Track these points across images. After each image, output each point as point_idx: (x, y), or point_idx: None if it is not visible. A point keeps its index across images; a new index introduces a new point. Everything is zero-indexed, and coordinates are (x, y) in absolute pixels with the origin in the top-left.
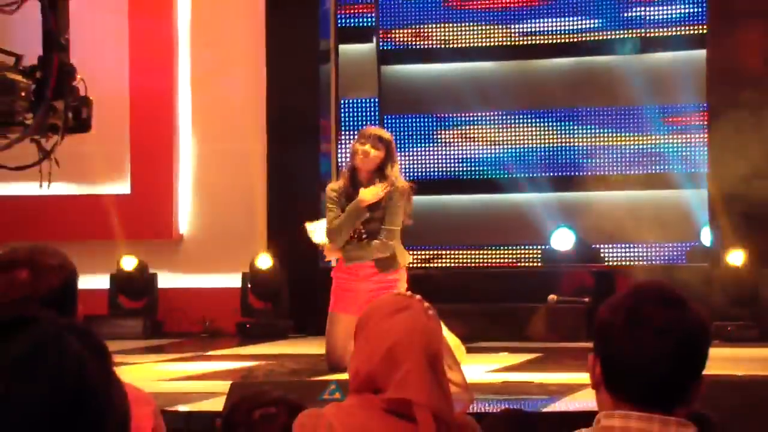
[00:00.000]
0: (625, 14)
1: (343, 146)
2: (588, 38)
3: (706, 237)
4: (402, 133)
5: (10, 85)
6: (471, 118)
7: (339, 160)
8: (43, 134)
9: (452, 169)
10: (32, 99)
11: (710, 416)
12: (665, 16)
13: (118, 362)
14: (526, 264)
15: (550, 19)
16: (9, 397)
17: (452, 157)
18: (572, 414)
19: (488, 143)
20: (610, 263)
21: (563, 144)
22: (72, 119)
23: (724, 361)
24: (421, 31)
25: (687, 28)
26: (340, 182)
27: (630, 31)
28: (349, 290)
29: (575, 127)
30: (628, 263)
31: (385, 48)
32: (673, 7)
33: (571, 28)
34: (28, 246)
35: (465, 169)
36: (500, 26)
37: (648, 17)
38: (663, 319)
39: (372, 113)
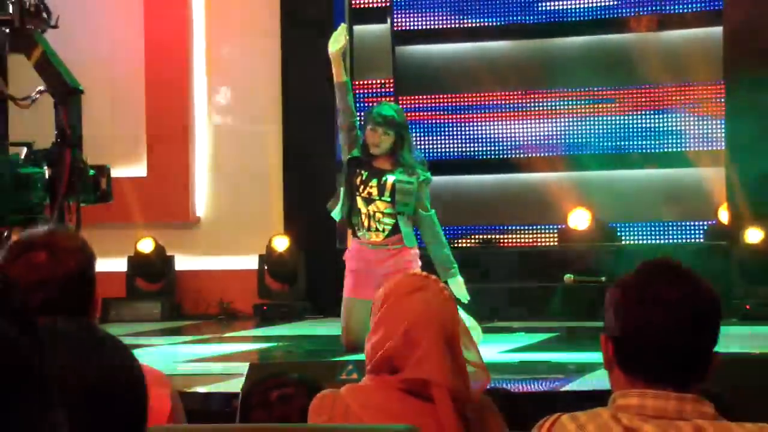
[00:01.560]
0: None
1: (359, 126)
2: (604, 16)
3: (724, 215)
4: (417, 114)
5: (25, 181)
6: (487, 98)
7: None
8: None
9: (468, 149)
10: (48, 188)
11: (723, 394)
12: None
13: (136, 344)
14: (543, 243)
15: None
16: None
17: (468, 137)
18: (589, 393)
19: (504, 123)
20: (627, 242)
21: (579, 123)
22: (92, 192)
23: (742, 339)
24: (436, 10)
25: (703, 4)
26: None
27: (646, 9)
28: (364, 274)
29: (591, 106)
30: (645, 242)
31: (399, 28)
32: None
33: (587, 6)
34: (46, 229)
35: (481, 149)
36: (516, 5)
37: None
38: (674, 295)
39: (388, 94)
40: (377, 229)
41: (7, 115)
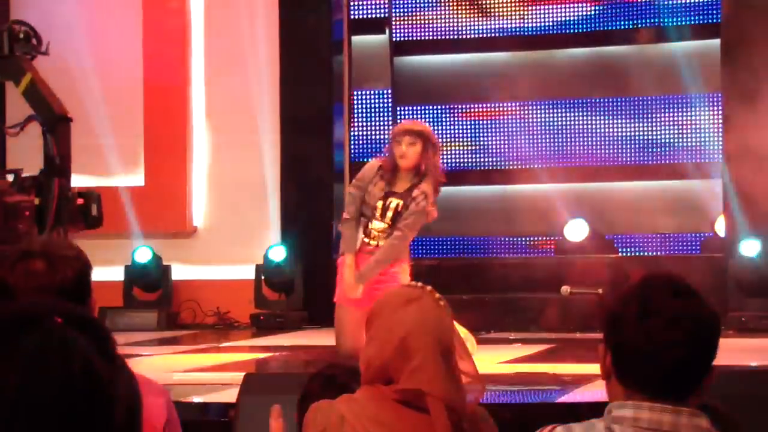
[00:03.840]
0: (640, 4)
1: (356, 137)
2: (603, 28)
3: (720, 227)
4: None
5: (12, 209)
6: (484, 109)
7: (352, 151)
8: None
9: (466, 159)
10: (36, 217)
11: (719, 407)
12: (680, 6)
13: (132, 354)
14: (540, 255)
15: (564, 9)
16: (19, 398)
17: (466, 147)
18: (585, 405)
19: (502, 134)
20: (624, 254)
21: (577, 134)
22: (82, 218)
23: (738, 351)
24: (435, 21)
25: (701, 17)
26: (375, 165)
27: (644, 21)
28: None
29: (589, 118)
30: (641, 254)
31: (398, 39)
32: None
33: (585, 17)
34: (43, 238)
35: (478, 159)
36: (514, 16)
37: (662, 7)
38: (674, 309)
39: (385, 104)
40: (372, 242)
41: (3, 144)
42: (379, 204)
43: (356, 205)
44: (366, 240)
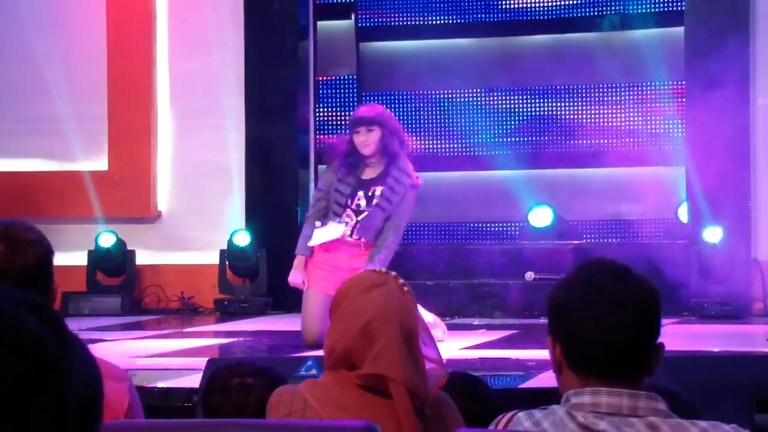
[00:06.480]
0: None
1: (321, 123)
2: (567, 15)
3: (683, 214)
4: None
5: None
6: (449, 95)
7: (317, 136)
8: None
9: (430, 146)
10: None
11: (679, 391)
12: None
13: (95, 339)
14: (504, 240)
15: None
16: None
17: (431, 134)
18: (548, 390)
19: (466, 120)
20: (588, 240)
21: (542, 121)
22: None
23: (700, 337)
24: (400, 7)
25: (665, 4)
26: (329, 175)
27: (609, 8)
28: (325, 268)
29: (554, 104)
30: (605, 240)
31: (363, 24)
32: None
33: (550, 4)
34: (4, 221)
35: (442, 146)
36: (480, 3)
37: None
38: (617, 291)
39: (351, 90)
40: (356, 234)
41: None
42: (362, 193)
43: (321, 206)
44: (349, 233)
